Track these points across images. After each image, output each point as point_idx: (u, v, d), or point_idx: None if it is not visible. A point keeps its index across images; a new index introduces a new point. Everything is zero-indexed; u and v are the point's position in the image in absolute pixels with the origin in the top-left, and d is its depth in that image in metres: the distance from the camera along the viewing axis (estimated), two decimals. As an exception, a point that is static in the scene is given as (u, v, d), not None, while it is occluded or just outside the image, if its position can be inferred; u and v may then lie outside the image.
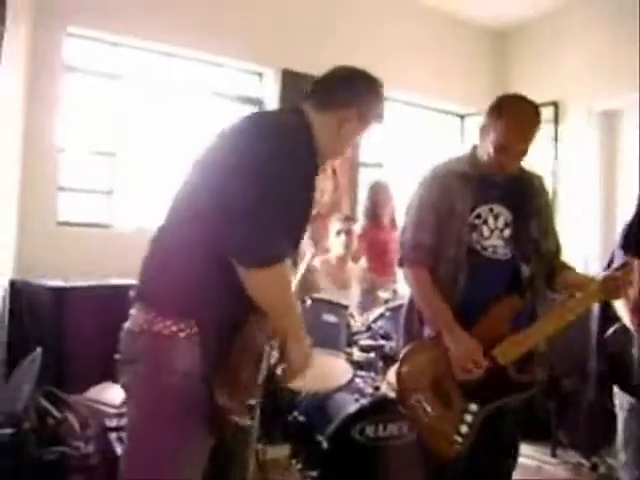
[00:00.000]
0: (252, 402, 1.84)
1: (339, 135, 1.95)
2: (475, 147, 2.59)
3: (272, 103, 5.23)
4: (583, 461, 4.35)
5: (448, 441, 2.39)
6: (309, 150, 1.85)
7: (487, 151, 2.50)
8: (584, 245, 5.93)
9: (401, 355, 2.51)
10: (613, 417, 4.14)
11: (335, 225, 4.31)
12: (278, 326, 1.84)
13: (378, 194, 4.93)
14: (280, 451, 3.81)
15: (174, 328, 1.70)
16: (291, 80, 5.17)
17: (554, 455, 4.56)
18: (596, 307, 4.39)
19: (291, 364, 1.89)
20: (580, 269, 5.89)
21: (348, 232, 4.26)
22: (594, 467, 4.22)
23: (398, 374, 2.49)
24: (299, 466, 3.47)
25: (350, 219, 4.51)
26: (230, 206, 1.65)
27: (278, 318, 1.82)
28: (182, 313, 1.71)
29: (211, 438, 1.79)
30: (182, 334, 1.70)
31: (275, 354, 1.88)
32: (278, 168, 1.70)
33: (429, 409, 2.40)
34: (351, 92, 1.98)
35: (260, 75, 5.39)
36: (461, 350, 2.37)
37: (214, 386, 1.70)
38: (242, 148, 1.74)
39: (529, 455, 4.58)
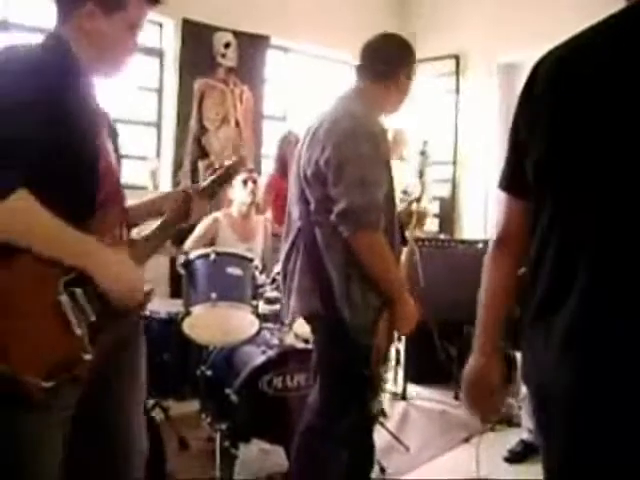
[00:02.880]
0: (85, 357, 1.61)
1: (90, 37, 1.69)
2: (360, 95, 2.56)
3: (173, 53, 5.09)
4: (484, 402, 4.53)
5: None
6: (58, 69, 1.62)
7: (391, 103, 2.60)
8: (485, 197, 6.11)
9: None
10: (510, 359, 4.34)
11: (239, 176, 4.26)
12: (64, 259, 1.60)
13: (289, 145, 4.89)
14: (189, 407, 3.81)
15: None
16: (192, 30, 5.04)
17: (457, 397, 4.74)
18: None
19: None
20: (481, 220, 6.14)
21: (254, 181, 4.23)
22: (494, 407, 4.40)
23: None
24: (209, 420, 3.48)
25: (253, 170, 4.48)
26: None
27: (56, 254, 1.57)
28: None
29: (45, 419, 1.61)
30: None
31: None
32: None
33: None
34: None
35: (160, 25, 5.22)
36: (413, 312, 2.48)
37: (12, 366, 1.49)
38: None
39: (433, 398, 4.75)
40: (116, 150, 1.86)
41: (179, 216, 1.99)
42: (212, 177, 2.12)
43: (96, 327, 1.64)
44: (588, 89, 1.30)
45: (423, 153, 4.06)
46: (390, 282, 2.42)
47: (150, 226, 1.96)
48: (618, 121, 1.25)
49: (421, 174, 4.09)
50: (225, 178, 2.14)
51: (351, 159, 2.32)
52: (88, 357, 1.61)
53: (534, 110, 1.40)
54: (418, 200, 4.17)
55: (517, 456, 3.71)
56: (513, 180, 1.49)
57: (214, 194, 2.09)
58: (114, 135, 1.88)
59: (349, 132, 2.35)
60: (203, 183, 2.09)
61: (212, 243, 4.03)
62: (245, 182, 4.17)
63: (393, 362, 4.80)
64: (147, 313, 3.70)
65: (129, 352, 1.90)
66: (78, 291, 1.60)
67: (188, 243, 4.03)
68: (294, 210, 2.55)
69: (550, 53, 1.41)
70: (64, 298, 1.57)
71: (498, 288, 1.60)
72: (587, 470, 1.30)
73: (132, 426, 1.89)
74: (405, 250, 3.13)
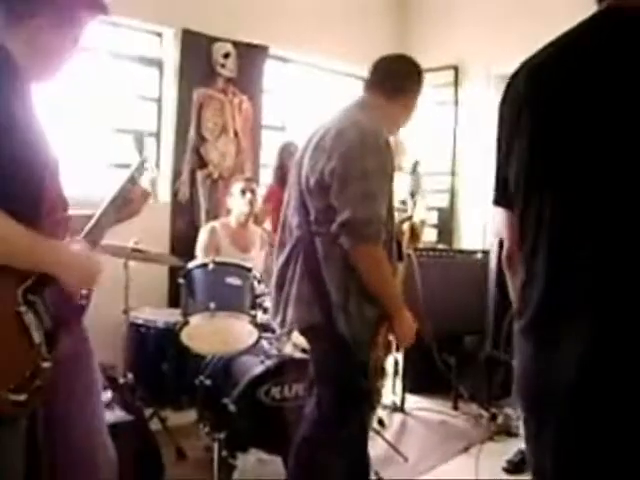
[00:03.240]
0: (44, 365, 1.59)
1: (34, 48, 1.68)
2: (365, 107, 2.57)
3: (172, 64, 5.10)
4: (483, 412, 4.54)
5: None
6: None
7: (398, 120, 2.66)
8: (483, 209, 6.11)
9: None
10: (509, 369, 4.34)
11: (238, 186, 4.28)
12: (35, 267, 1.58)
13: (289, 156, 4.88)
14: (187, 416, 3.81)
15: None
16: (191, 40, 5.05)
17: (455, 408, 4.74)
18: (494, 267, 4.56)
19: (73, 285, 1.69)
20: (479, 231, 6.14)
21: (252, 191, 4.24)
22: (493, 417, 4.41)
23: None
24: (207, 429, 3.47)
25: (251, 180, 4.49)
26: None
27: (24, 263, 1.55)
28: None
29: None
30: None
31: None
32: None
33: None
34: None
35: (160, 35, 5.23)
36: (411, 324, 2.50)
37: None
38: None
39: (431, 409, 4.75)
40: (55, 160, 1.79)
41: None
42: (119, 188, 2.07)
43: (53, 335, 1.62)
44: (560, 96, 1.34)
45: (414, 172, 4.07)
46: (388, 295, 2.43)
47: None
48: (590, 133, 1.29)
49: (413, 194, 4.10)
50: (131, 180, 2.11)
51: (357, 171, 2.32)
52: (47, 365, 1.59)
53: (510, 123, 1.44)
54: (409, 219, 4.18)
55: (516, 466, 3.70)
56: (505, 195, 1.50)
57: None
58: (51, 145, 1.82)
59: (356, 143, 2.35)
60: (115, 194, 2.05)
61: (218, 252, 4.04)
62: (243, 192, 4.18)
63: (391, 372, 4.79)
64: (145, 322, 3.71)
65: (81, 361, 1.91)
66: (36, 300, 1.57)
67: (199, 255, 4.04)
68: (293, 219, 2.55)
69: (522, 66, 1.46)
70: (24, 309, 1.54)
71: None
72: (581, 468, 1.30)
73: (93, 435, 1.90)
74: (402, 266, 3.13)
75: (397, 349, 3.80)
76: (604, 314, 1.26)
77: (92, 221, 1.87)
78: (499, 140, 1.49)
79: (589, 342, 1.26)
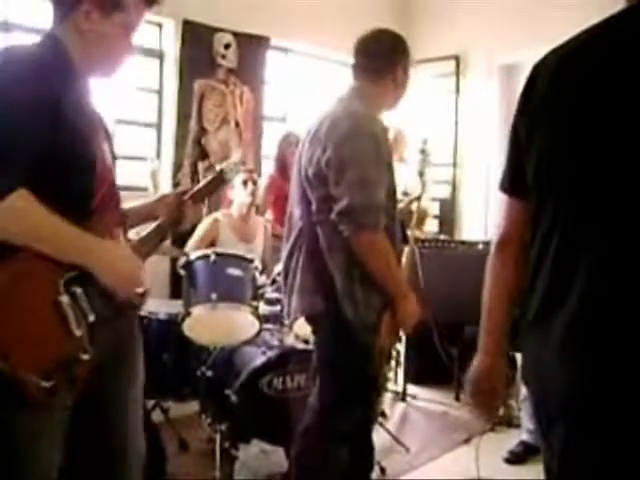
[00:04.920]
0: (83, 357, 1.61)
1: (86, 38, 1.68)
2: (360, 95, 2.56)
3: (173, 55, 5.09)
4: (484, 403, 4.54)
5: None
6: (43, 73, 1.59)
7: (390, 99, 2.62)
8: (485, 198, 6.11)
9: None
10: (509, 360, 4.34)
11: (239, 177, 4.26)
12: (67, 257, 1.58)
13: (289, 146, 4.88)
14: (189, 407, 3.81)
15: None
16: (192, 31, 5.05)
17: (457, 399, 4.74)
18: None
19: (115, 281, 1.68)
20: (481, 222, 6.14)
21: (254, 181, 4.23)
22: (494, 408, 4.41)
23: None
24: (209, 420, 3.48)
25: (253, 171, 4.48)
26: None
27: (55, 252, 1.55)
28: None
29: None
30: None
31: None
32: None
33: None
34: None
35: (160, 26, 5.22)
36: (415, 308, 2.48)
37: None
38: None
39: (433, 399, 4.75)
40: (111, 152, 1.84)
41: (173, 220, 2.00)
42: (204, 181, 2.14)
43: (95, 327, 1.64)
44: (588, 90, 1.30)
45: (423, 151, 4.06)
46: (391, 280, 2.42)
47: (146, 228, 1.96)
48: (619, 122, 1.25)
49: (421, 173, 4.09)
50: (217, 183, 2.15)
51: (352, 159, 2.32)
52: (86, 357, 1.61)
53: (534, 112, 1.41)
54: (418, 199, 4.17)
55: (517, 457, 3.71)
56: (513, 182, 1.50)
57: (205, 198, 2.11)
58: (108, 138, 1.86)
59: (350, 132, 2.35)
60: (195, 188, 2.11)
61: (213, 244, 4.03)
62: (245, 183, 4.17)
63: (393, 363, 4.80)
64: (147, 314, 3.71)
65: (127, 352, 1.89)
66: (78, 291, 1.59)
67: (190, 244, 4.03)
68: (296, 210, 2.55)
69: (550, 54, 1.42)
70: (64, 298, 1.56)
71: (501, 290, 1.61)
72: (585, 470, 1.30)
73: (129, 426, 1.88)
74: (406, 250, 3.13)
75: (399, 338, 3.81)
76: (606, 317, 1.25)
77: (150, 230, 1.92)
78: (515, 129, 1.46)
79: (590, 345, 1.26)
